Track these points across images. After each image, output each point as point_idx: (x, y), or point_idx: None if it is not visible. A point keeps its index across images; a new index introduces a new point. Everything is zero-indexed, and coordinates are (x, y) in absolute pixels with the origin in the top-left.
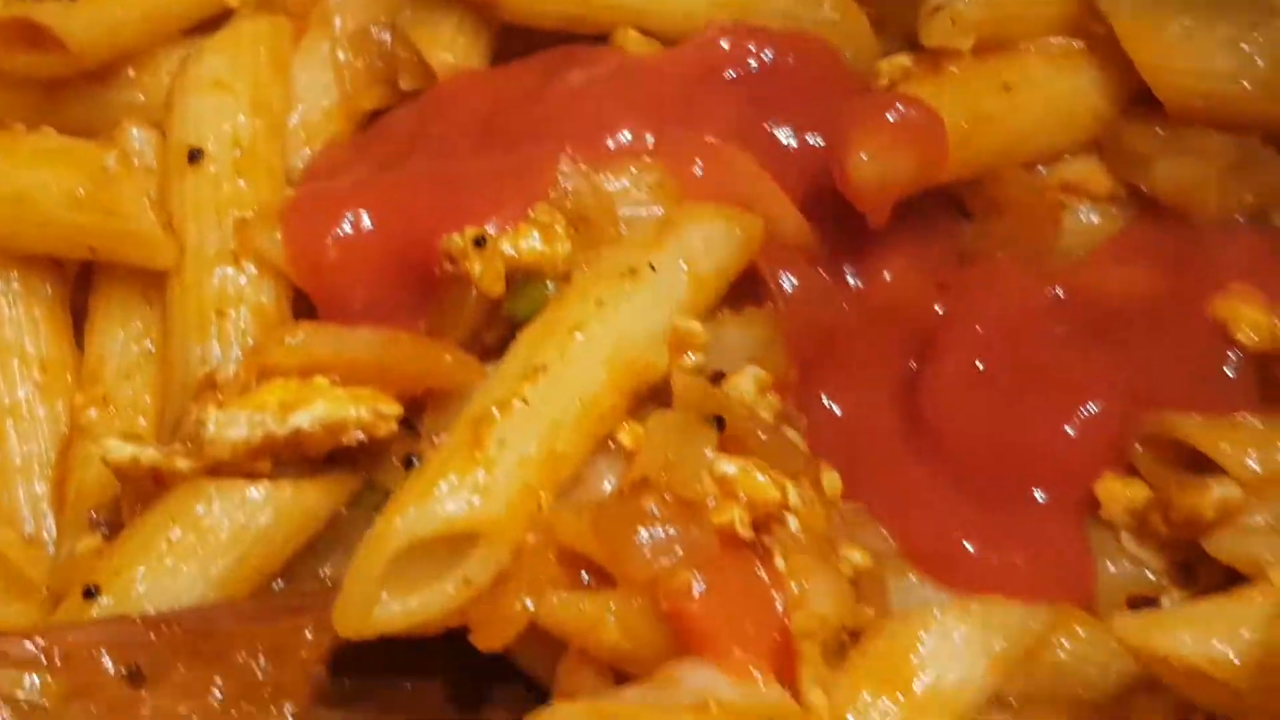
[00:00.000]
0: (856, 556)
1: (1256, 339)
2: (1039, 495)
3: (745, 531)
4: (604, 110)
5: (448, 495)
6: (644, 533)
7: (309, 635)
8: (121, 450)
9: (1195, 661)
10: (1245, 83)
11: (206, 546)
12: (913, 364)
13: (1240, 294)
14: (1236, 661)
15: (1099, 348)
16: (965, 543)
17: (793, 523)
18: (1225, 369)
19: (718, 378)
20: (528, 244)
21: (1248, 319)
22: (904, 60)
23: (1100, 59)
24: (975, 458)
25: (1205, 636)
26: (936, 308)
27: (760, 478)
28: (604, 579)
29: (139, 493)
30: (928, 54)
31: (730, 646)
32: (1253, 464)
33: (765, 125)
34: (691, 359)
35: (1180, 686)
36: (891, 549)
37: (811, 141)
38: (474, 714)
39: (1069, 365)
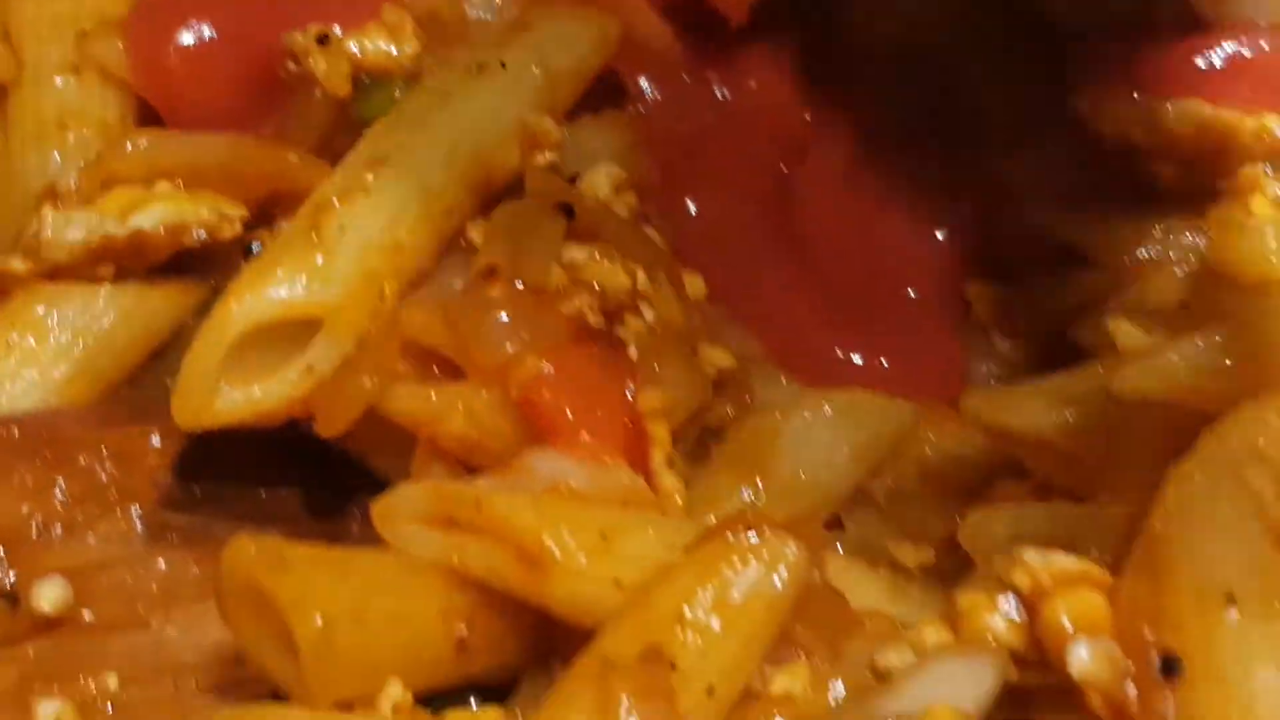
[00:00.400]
0: (719, 356)
1: (1118, 130)
2: (909, 296)
3: (596, 320)
4: None
5: (285, 280)
6: (492, 321)
7: (155, 441)
8: None
9: (1039, 430)
10: None
11: (47, 350)
12: (783, 169)
13: (1105, 87)
14: (1075, 426)
15: (968, 148)
16: (835, 345)
17: (648, 314)
18: (1091, 163)
19: (575, 180)
20: (374, 44)
21: (1111, 112)
22: None
23: None
24: (846, 262)
25: (1048, 408)
26: (805, 115)
27: (610, 265)
28: (454, 373)
29: None
30: None
31: (580, 433)
32: (1116, 253)
33: None
34: (545, 158)
35: (1028, 458)
36: (758, 351)
37: None
38: (330, 523)
39: (940, 168)
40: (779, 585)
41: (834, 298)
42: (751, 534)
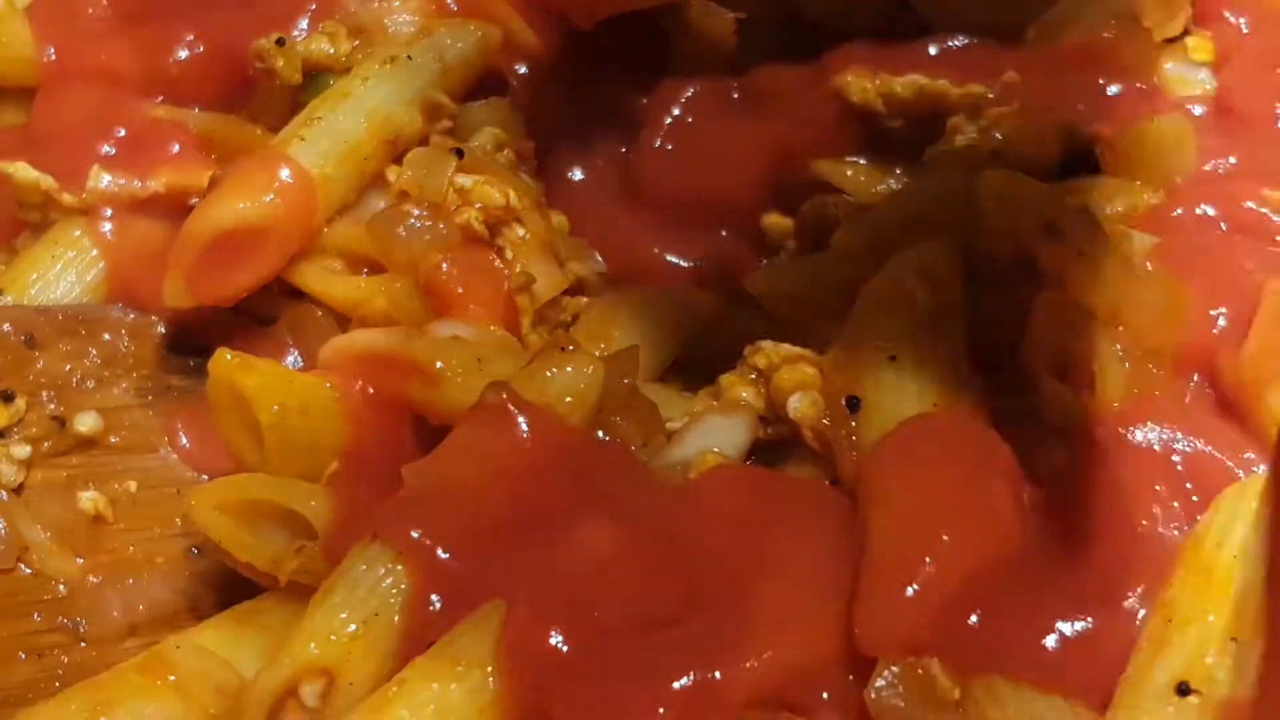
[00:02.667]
0: (578, 268)
1: (862, 98)
2: (720, 231)
3: (480, 229)
4: None
5: (241, 200)
6: (403, 229)
7: (159, 326)
8: (27, 172)
9: (797, 292)
10: None
11: (83, 262)
12: (624, 142)
13: (854, 71)
14: (825, 289)
15: (759, 123)
16: (663, 256)
17: (519, 230)
18: (844, 125)
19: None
20: (318, 46)
21: (857, 86)
22: None
23: None
24: (672, 205)
25: (802, 277)
26: (642, 102)
27: (490, 189)
28: (375, 269)
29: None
30: None
31: (470, 307)
32: (863, 182)
33: None
34: (442, 125)
35: (789, 318)
36: (604, 269)
37: None
38: None
39: (738, 137)
40: (580, 384)
41: (664, 229)
42: (561, 349)
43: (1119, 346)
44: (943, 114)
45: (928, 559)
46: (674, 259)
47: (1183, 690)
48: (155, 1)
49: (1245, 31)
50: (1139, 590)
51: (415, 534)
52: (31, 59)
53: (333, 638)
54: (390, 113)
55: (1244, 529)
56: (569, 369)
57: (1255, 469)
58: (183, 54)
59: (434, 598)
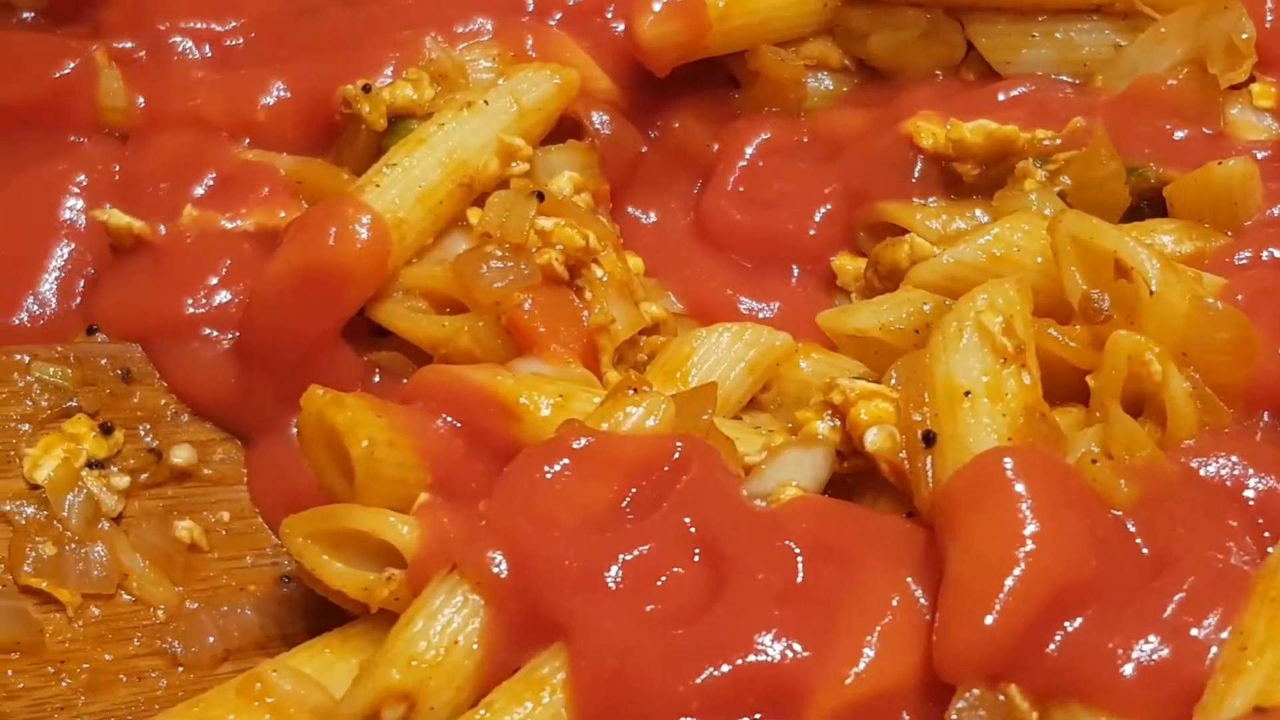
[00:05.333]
0: (654, 308)
1: (933, 144)
2: (791, 271)
3: (561, 270)
4: (459, 4)
5: (316, 242)
6: (486, 269)
7: None
8: (119, 217)
9: (870, 331)
10: None
11: None
12: (697, 184)
13: (923, 115)
14: (898, 327)
15: (829, 166)
16: (736, 300)
17: (598, 270)
18: (914, 169)
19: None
20: (402, 93)
21: (927, 131)
22: None
23: None
24: (745, 246)
25: (877, 316)
26: (714, 147)
27: (570, 231)
28: (458, 309)
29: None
30: None
31: (551, 345)
32: (934, 226)
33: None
34: (519, 168)
35: (862, 357)
36: (681, 309)
37: (615, 27)
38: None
39: (809, 180)
40: (651, 422)
41: (736, 270)
42: (633, 391)
43: (1189, 384)
44: (1012, 158)
45: (1005, 588)
46: (747, 298)
47: (1259, 714)
48: (245, 50)
49: None
50: (1213, 620)
51: (490, 566)
52: (124, 108)
53: (414, 664)
54: (465, 157)
55: None
56: (641, 407)
57: None
58: (271, 100)
59: (510, 626)
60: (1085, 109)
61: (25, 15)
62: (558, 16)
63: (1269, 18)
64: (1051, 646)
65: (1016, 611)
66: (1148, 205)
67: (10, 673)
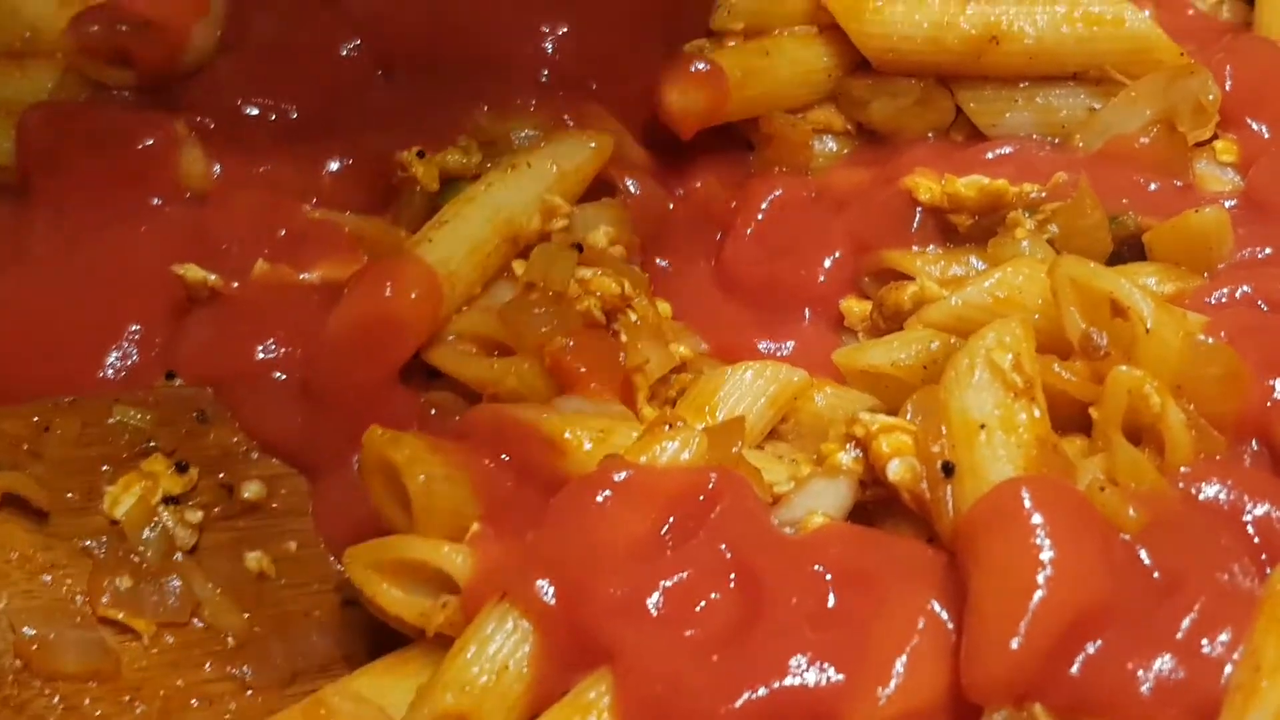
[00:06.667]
0: (682, 349)
1: (930, 197)
2: (804, 314)
3: (599, 316)
4: (504, 80)
5: (374, 294)
6: (533, 315)
7: None
8: (197, 272)
9: (882, 367)
10: (919, 41)
11: None
12: (718, 237)
13: (920, 172)
14: (908, 363)
15: (836, 218)
16: (755, 341)
17: (633, 315)
18: (913, 220)
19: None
20: (453, 157)
21: (924, 186)
22: (702, 41)
23: (829, 37)
24: (760, 292)
25: (888, 353)
26: (732, 203)
27: (607, 280)
28: (505, 352)
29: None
30: (716, 35)
31: (590, 384)
32: (934, 271)
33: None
34: (559, 224)
35: (873, 391)
36: (706, 349)
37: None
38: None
39: (818, 231)
40: (686, 454)
41: (754, 314)
42: (668, 426)
43: (1184, 415)
44: (1002, 209)
45: (1029, 612)
46: (764, 339)
47: None
48: (310, 121)
49: (1267, 136)
50: (1225, 639)
51: (539, 595)
52: (202, 174)
53: (467, 688)
54: (511, 215)
55: None
56: (676, 441)
57: None
58: (336, 165)
59: (558, 651)
60: (1066, 165)
61: (117, 93)
62: (593, 87)
63: (1229, 82)
64: (1074, 667)
65: (1040, 634)
66: (1128, 250)
67: (88, 700)
